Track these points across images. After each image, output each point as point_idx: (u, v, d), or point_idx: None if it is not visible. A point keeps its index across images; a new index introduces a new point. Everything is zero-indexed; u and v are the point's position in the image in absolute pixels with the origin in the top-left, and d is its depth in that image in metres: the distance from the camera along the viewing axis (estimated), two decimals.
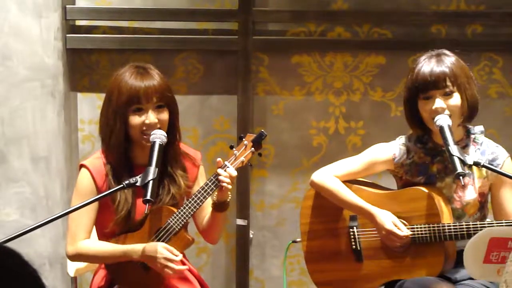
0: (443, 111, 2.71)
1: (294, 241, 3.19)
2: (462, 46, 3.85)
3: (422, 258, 2.79)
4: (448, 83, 2.72)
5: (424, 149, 2.85)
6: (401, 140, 2.89)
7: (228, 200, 2.75)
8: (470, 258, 2.57)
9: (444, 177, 2.82)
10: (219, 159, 2.70)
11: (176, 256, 2.68)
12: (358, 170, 2.89)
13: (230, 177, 2.67)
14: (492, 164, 2.76)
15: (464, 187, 2.78)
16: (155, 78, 2.71)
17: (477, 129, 2.84)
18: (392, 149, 2.87)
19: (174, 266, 2.67)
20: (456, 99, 2.74)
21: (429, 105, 2.73)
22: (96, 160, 2.78)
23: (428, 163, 2.84)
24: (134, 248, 2.70)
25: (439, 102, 2.71)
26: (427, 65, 2.73)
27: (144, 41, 3.97)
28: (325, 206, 2.91)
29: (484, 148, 2.82)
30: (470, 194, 2.79)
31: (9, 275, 1.23)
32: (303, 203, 2.98)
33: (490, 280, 2.70)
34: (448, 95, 2.73)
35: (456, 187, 2.81)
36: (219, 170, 2.68)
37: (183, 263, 2.88)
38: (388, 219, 2.77)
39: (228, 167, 2.69)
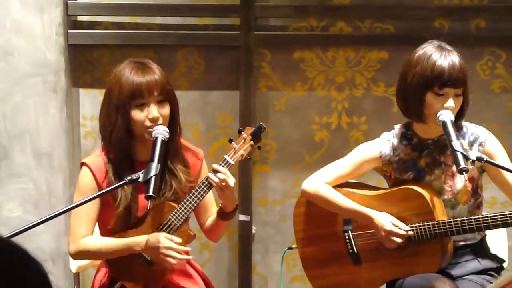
0: (452, 111, 2.71)
1: (290, 248, 3.19)
2: (465, 40, 3.85)
3: (420, 257, 2.79)
4: (462, 85, 2.72)
5: (410, 145, 2.84)
6: (386, 137, 2.88)
7: (232, 210, 2.74)
8: None
9: (433, 169, 2.81)
10: (214, 165, 2.69)
11: (179, 245, 2.67)
12: (347, 173, 2.87)
13: (223, 180, 2.65)
14: (474, 143, 2.75)
15: (453, 176, 2.78)
16: (155, 72, 2.71)
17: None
18: (378, 146, 2.87)
19: (176, 255, 2.67)
20: (460, 101, 2.74)
21: (439, 101, 2.70)
22: (96, 157, 2.78)
23: (416, 158, 2.83)
24: (136, 240, 2.70)
25: (451, 102, 2.70)
26: (447, 59, 2.70)
27: (146, 36, 3.97)
28: (318, 212, 2.90)
29: (464, 132, 2.81)
30: (459, 182, 2.79)
31: (15, 269, 1.23)
32: (295, 211, 2.98)
33: None
34: (458, 96, 2.73)
35: (445, 177, 2.80)
36: (215, 165, 2.67)
37: (186, 254, 2.89)
38: (387, 220, 2.77)
39: (227, 161, 2.69)
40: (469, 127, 2.83)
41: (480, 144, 2.77)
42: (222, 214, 2.76)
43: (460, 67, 2.71)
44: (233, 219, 2.82)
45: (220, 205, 2.75)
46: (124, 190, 2.70)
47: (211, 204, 2.86)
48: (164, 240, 2.67)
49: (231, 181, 2.67)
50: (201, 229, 2.90)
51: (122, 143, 2.71)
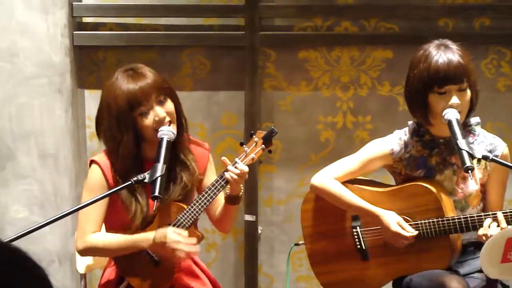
0: (458, 108, 2.70)
1: (297, 244, 3.18)
2: (469, 39, 3.83)
3: (429, 253, 2.78)
4: (464, 79, 2.71)
5: (421, 142, 2.83)
6: (398, 134, 2.88)
7: (241, 194, 2.76)
8: (487, 260, 2.57)
9: (443, 170, 2.81)
10: (223, 158, 2.70)
11: (186, 238, 2.68)
12: (356, 169, 2.87)
13: (242, 172, 2.67)
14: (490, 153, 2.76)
15: (465, 178, 2.77)
16: (147, 76, 2.69)
17: (473, 120, 2.83)
18: (390, 143, 2.86)
19: (184, 248, 2.67)
20: (468, 95, 2.73)
21: (443, 99, 2.70)
22: (104, 157, 2.78)
23: (427, 156, 2.83)
24: (143, 236, 2.70)
25: (455, 98, 2.70)
26: (442, 58, 2.69)
27: (151, 37, 3.97)
28: (326, 208, 2.90)
29: (481, 139, 2.81)
30: (472, 185, 2.79)
31: (15, 273, 1.23)
32: (302, 207, 2.98)
33: (508, 277, 2.70)
34: (462, 90, 2.72)
35: (457, 179, 2.80)
36: (229, 167, 2.68)
37: (193, 259, 2.89)
38: (393, 220, 2.76)
39: (238, 163, 2.69)
40: (487, 136, 2.83)
41: (496, 156, 2.76)
42: (230, 199, 2.76)
43: (458, 62, 2.69)
44: (240, 204, 2.81)
45: (227, 191, 2.75)
46: (139, 204, 2.70)
47: (219, 196, 2.85)
48: (171, 234, 2.67)
49: (247, 169, 2.69)
50: (211, 222, 2.90)
51: (131, 154, 2.70)
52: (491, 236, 2.63)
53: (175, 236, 2.67)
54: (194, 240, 2.72)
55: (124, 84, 2.66)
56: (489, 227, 2.66)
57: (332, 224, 2.92)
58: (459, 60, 2.70)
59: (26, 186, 3.79)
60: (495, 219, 2.68)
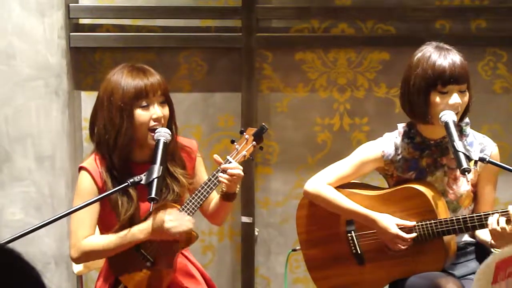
0: (458, 108, 2.70)
1: (294, 250, 3.18)
2: (466, 41, 3.85)
3: (424, 255, 2.78)
4: (465, 80, 2.72)
5: (412, 144, 2.83)
6: (388, 136, 2.88)
7: (236, 191, 2.76)
8: (478, 285, 2.57)
9: (434, 171, 2.81)
10: (215, 155, 2.70)
11: (181, 215, 2.67)
12: (349, 173, 2.86)
13: (236, 170, 2.66)
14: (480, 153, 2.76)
15: (456, 179, 2.78)
16: (155, 74, 2.73)
17: (463, 121, 2.84)
18: (380, 146, 2.86)
19: (182, 223, 2.66)
20: (467, 97, 2.74)
21: (444, 99, 2.71)
22: (93, 161, 2.77)
23: (418, 158, 2.83)
24: (139, 227, 2.68)
25: (456, 98, 2.70)
26: (446, 58, 2.71)
27: (148, 39, 3.97)
28: (320, 214, 2.90)
29: (471, 139, 2.81)
30: (463, 186, 2.79)
31: (15, 277, 1.23)
32: (297, 213, 2.97)
33: None
34: (462, 92, 2.73)
35: (448, 180, 2.80)
36: (222, 169, 2.67)
37: (188, 258, 2.88)
38: (391, 223, 2.76)
39: (230, 161, 2.69)
40: (477, 136, 2.83)
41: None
42: (226, 196, 2.76)
43: (461, 64, 2.71)
44: (235, 200, 2.80)
45: (223, 189, 2.75)
46: (125, 195, 2.69)
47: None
48: (165, 216, 2.64)
49: (241, 170, 2.68)
50: (204, 215, 2.89)
51: (128, 147, 2.70)
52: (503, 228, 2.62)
53: (168, 217, 2.65)
54: (189, 218, 2.69)
55: (133, 76, 2.69)
56: (497, 223, 2.63)
57: (327, 229, 2.92)
58: (461, 61, 2.72)
59: (23, 188, 3.79)
60: (503, 215, 2.65)
